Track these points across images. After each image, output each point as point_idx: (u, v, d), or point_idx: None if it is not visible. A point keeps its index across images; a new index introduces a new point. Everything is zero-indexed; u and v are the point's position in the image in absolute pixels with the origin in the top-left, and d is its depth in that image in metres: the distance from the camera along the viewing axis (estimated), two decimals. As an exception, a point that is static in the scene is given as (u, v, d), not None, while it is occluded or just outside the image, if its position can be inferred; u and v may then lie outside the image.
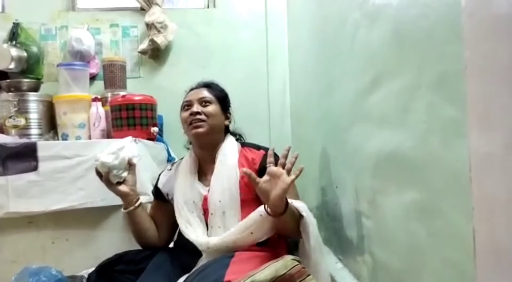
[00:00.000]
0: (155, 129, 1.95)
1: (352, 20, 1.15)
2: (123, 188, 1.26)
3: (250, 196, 1.17)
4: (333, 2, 1.39)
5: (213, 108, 1.26)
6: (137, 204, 1.28)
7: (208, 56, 2.44)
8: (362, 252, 1.09)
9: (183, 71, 2.39)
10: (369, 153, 1.02)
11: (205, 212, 1.21)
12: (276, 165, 1.03)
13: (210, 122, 1.24)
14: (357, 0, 1.09)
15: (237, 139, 1.37)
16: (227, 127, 1.34)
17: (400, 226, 0.84)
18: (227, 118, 1.34)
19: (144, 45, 2.32)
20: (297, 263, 0.94)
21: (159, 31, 2.29)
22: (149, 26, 2.29)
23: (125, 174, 1.28)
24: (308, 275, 0.93)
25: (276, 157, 1.09)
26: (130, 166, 1.29)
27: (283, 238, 1.25)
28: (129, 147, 1.32)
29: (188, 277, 1.03)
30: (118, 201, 1.76)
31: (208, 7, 2.52)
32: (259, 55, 2.45)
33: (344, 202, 1.28)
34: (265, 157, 1.19)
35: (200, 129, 1.22)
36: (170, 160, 2.09)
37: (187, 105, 1.28)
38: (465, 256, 0.55)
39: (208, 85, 1.34)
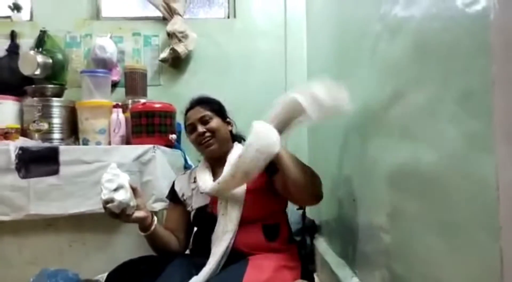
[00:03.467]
0: (173, 136, 1.98)
1: (372, 32, 1.15)
2: (140, 214, 1.21)
3: (258, 186, 1.23)
4: (354, 14, 1.39)
5: (215, 123, 1.33)
6: (155, 223, 1.26)
7: (227, 66, 2.46)
8: (379, 266, 1.07)
9: (202, 80, 2.42)
10: (389, 166, 1.00)
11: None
12: None
13: (218, 137, 1.31)
14: (378, 12, 1.09)
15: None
16: (231, 133, 1.42)
17: (420, 242, 0.82)
18: (229, 124, 1.41)
19: (165, 54, 2.36)
20: None
21: (180, 40, 2.33)
22: (171, 35, 2.33)
23: (135, 201, 1.20)
24: None
25: None
26: (134, 190, 1.21)
27: (294, 241, 1.31)
28: (120, 173, 1.21)
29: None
30: (135, 206, 1.77)
31: (228, 17, 2.56)
32: (278, 65, 2.46)
33: (362, 216, 1.26)
34: None
35: (212, 147, 1.30)
36: (187, 166, 2.11)
37: (191, 128, 1.35)
38: (490, 275, 0.53)
39: (201, 102, 1.38)
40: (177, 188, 1.41)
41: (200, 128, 1.30)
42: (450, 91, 0.71)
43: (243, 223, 1.19)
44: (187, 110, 1.39)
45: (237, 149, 1.34)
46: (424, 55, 0.82)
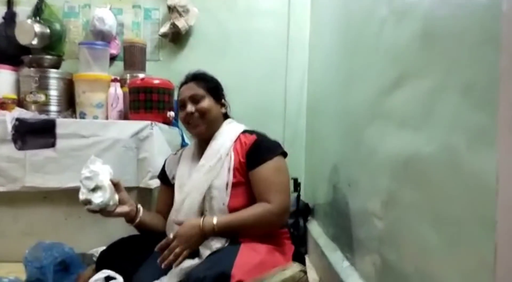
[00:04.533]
0: (171, 113, 1.96)
1: (378, 17, 1.12)
2: (122, 209, 1.20)
3: (241, 180, 1.18)
4: (360, -4, 1.36)
5: (206, 103, 1.25)
6: (140, 214, 1.25)
7: (228, 43, 2.42)
8: (371, 252, 1.09)
9: (202, 57, 2.38)
10: (386, 153, 1.00)
11: None
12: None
13: (207, 118, 1.24)
14: (386, -4, 1.06)
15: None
16: (225, 114, 1.34)
17: (413, 230, 0.83)
18: (223, 105, 1.33)
19: (165, 28, 2.32)
20: (303, 275, 0.99)
21: (180, 15, 2.28)
22: (171, 9, 2.28)
23: (117, 197, 1.18)
24: None
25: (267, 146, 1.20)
26: (115, 185, 1.18)
27: (285, 226, 1.28)
28: (100, 168, 1.17)
29: (197, 265, 1.04)
30: (132, 182, 1.79)
31: (231, -7, 2.50)
32: (279, 46, 2.42)
33: (356, 201, 1.27)
34: (255, 141, 1.21)
35: (198, 129, 1.25)
36: (184, 145, 2.10)
37: (181, 105, 1.28)
38: (482, 269, 0.53)
39: (197, 78, 1.31)
40: (167, 170, 1.38)
41: (190, 108, 1.24)
42: (454, 81, 0.70)
43: (231, 213, 1.17)
44: (181, 84, 1.33)
45: (224, 129, 1.28)
46: (430, 43, 0.80)
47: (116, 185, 1.18)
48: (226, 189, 1.17)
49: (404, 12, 0.94)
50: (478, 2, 0.64)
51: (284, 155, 1.24)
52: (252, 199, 1.18)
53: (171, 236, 1.09)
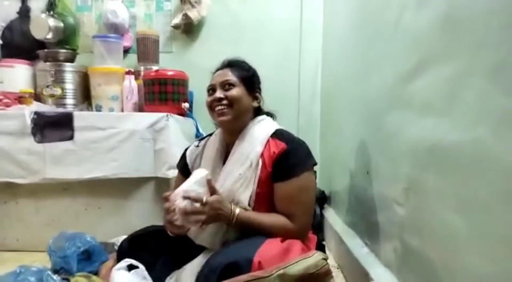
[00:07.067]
0: (185, 105, 1.98)
1: (397, 1, 1.10)
2: None
3: (266, 190, 1.13)
4: (377, -19, 1.33)
5: (237, 91, 1.17)
6: None
7: (241, 33, 2.41)
8: (392, 238, 1.08)
9: (214, 48, 2.38)
10: (408, 140, 0.99)
11: None
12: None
13: (235, 108, 1.16)
14: (405, -21, 1.04)
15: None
16: (257, 108, 1.25)
17: (437, 217, 0.83)
18: (256, 98, 1.24)
19: (178, 19, 2.31)
20: (326, 263, 1.00)
21: (193, 6, 2.28)
22: (183, 0, 2.28)
23: None
24: (332, 277, 1.01)
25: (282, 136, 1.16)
26: None
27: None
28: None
29: (219, 251, 1.05)
30: (149, 173, 1.81)
31: (242, -18, 2.48)
32: (292, 34, 2.41)
33: (375, 188, 1.26)
34: (284, 152, 1.12)
35: (224, 117, 1.16)
36: (198, 135, 2.12)
37: (211, 89, 1.22)
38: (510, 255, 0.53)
39: (233, 65, 1.24)
40: (189, 162, 1.31)
41: (218, 93, 1.17)
42: (481, 65, 0.69)
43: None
44: (216, 70, 1.25)
45: (256, 129, 1.19)
46: (454, 26, 0.79)
47: None
48: (250, 198, 1.13)
49: (426, -5, 0.93)
50: (506, -18, 0.62)
51: (314, 165, 1.17)
52: (272, 207, 1.14)
53: (204, 199, 1.04)
